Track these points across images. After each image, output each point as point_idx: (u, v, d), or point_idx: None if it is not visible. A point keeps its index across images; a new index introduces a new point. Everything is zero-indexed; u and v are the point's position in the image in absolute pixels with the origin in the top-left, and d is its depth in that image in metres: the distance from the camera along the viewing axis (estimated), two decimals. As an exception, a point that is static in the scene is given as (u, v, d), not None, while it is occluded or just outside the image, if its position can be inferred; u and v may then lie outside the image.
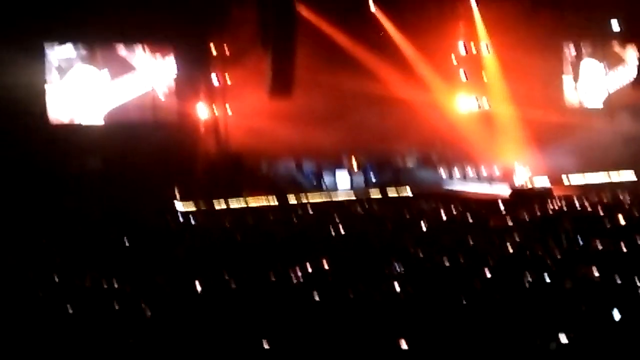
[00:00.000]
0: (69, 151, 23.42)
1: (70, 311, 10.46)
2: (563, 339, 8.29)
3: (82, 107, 24.73)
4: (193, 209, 22.88)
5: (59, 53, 24.59)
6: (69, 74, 24.56)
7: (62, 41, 24.59)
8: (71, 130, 24.31)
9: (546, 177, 25.98)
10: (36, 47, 23.79)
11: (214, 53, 26.13)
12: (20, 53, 22.26)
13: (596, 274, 11.38)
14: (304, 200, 24.09)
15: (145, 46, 25.38)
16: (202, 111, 25.71)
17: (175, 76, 25.73)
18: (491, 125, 28.68)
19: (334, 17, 26.49)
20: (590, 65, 31.45)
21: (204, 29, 25.52)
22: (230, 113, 26.64)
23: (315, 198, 24.51)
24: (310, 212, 21.43)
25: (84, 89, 24.71)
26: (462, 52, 29.35)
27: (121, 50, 25.31)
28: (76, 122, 24.80)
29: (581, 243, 14.44)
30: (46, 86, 24.19)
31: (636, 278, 10.89)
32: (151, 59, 25.50)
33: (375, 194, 25.29)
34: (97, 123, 24.91)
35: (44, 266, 13.81)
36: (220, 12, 25.21)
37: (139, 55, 25.42)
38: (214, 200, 23.15)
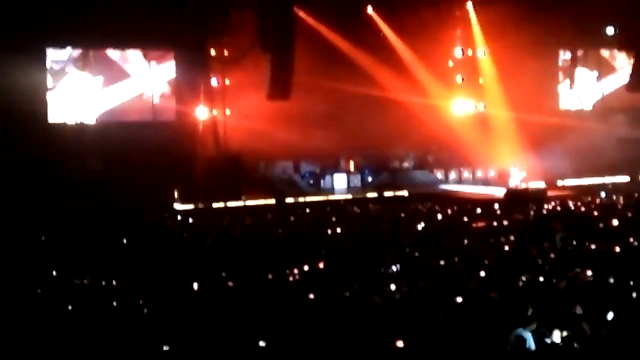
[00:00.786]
0: (69, 152, 23.48)
1: (69, 308, 10.56)
2: (557, 338, 8.39)
3: (82, 109, 24.79)
4: (191, 207, 22.95)
5: (59, 57, 24.71)
6: (68, 77, 24.64)
7: (63, 45, 24.70)
8: (71, 131, 24.39)
9: (540, 179, 26.09)
10: (38, 51, 23.90)
11: (213, 55, 26.21)
12: (22, 57, 22.33)
13: (589, 274, 11.48)
14: (302, 201, 24.17)
15: (144, 50, 25.43)
16: (201, 113, 25.77)
17: (174, 78, 25.80)
18: (487, 127, 28.80)
19: (332, 20, 26.56)
20: (584, 70, 31.65)
21: (204, 32, 25.60)
22: (229, 115, 26.72)
23: (313, 199, 24.59)
24: (308, 212, 21.50)
25: (83, 92, 24.77)
26: (459, 55, 29.46)
27: (116, 56, 25.37)
28: (76, 123, 24.88)
29: (574, 243, 14.54)
30: (48, 88, 24.28)
31: (629, 278, 11.01)
32: (146, 64, 25.55)
33: (372, 195, 25.36)
34: (96, 124, 24.99)
35: (43, 264, 13.91)
36: (219, 16, 25.28)
37: (134, 61, 25.47)
38: (212, 201, 23.21)
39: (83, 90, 24.72)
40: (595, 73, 31.83)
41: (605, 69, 32.05)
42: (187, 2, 24.82)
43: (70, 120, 24.70)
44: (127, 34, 24.37)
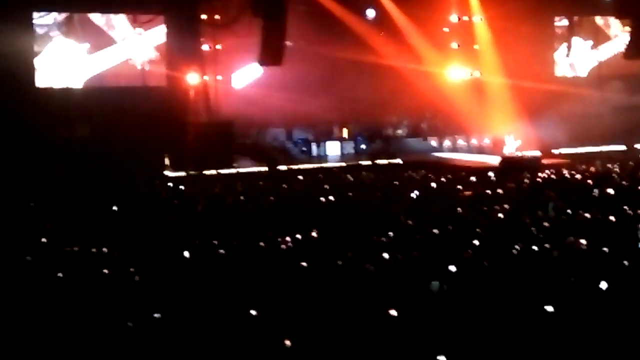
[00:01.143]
0: (58, 117, 23.23)
1: (59, 275, 10.49)
2: (549, 308, 8.36)
3: (69, 75, 24.51)
4: (183, 174, 22.83)
5: (44, 21, 24.33)
6: (54, 43, 24.30)
7: (49, 9, 24.32)
8: (59, 97, 24.12)
9: (535, 147, 26.00)
10: (23, 15, 23.52)
11: (204, 20, 25.91)
12: (7, 20, 22.00)
13: (583, 243, 11.45)
14: (294, 168, 24.05)
15: (134, 14, 25.04)
16: (192, 78, 25.52)
17: (164, 43, 25.50)
18: (482, 95, 28.65)
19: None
20: (581, 37, 31.47)
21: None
22: (220, 81, 26.50)
23: (306, 167, 24.47)
24: (300, 180, 21.40)
25: (68, 58, 24.46)
26: (455, 21, 29.22)
27: (101, 22, 24.96)
28: (64, 88, 24.61)
29: (569, 212, 14.50)
30: (34, 53, 23.96)
31: (623, 247, 10.99)
32: (132, 29, 25.17)
33: (365, 163, 25.25)
34: (84, 89, 24.72)
35: (32, 231, 13.81)
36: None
37: (119, 27, 25.09)
38: (204, 168, 23.07)
39: (69, 56, 24.36)
40: (590, 42, 31.66)
41: (599, 37, 31.87)
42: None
43: (57, 85, 24.41)
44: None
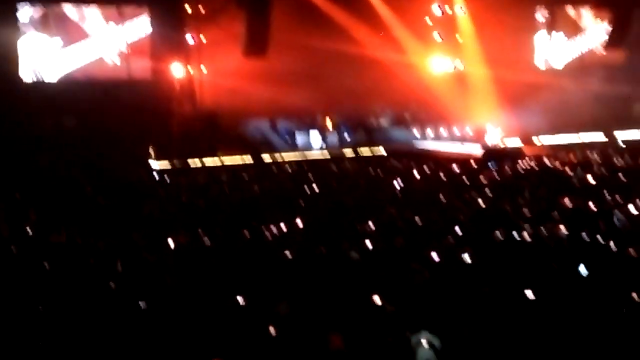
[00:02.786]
0: (43, 110, 23.18)
1: (46, 266, 10.53)
2: (530, 294, 8.50)
3: (45, 69, 24.46)
4: (168, 166, 22.85)
5: (20, 16, 24.27)
6: (28, 36, 24.22)
7: (35, 2, 24.25)
8: (46, 89, 24.08)
9: (517, 136, 26.20)
10: (8, 9, 23.47)
11: (189, 12, 25.87)
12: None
13: (564, 231, 11.62)
14: (279, 159, 24.11)
15: (118, 6, 24.95)
16: (177, 70, 25.51)
17: (149, 35, 25.46)
18: (464, 85, 28.82)
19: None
20: (562, 28, 31.67)
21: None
22: (205, 72, 26.49)
23: (290, 157, 24.53)
24: (284, 171, 21.48)
25: (44, 52, 24.40)
26: (438, 13, 29.32)
27: (75, 16, 24.87)
28: (49, 80, 24.57)
29: (550, 201, 14.67)
30: (18, 45, 23.89)
31: (603, 235, 11.16)
32: (105, 24, 25.11)
33: (349, 153, 25.35)
34: (69, 82, 24.66)
35: (18, 222, 13.82)
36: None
37: (93, 21, 25.01)
38: (188, 159, 23.10)
39: (44, 50, 24.29)
40: (574, 31, 31.88)
41: (572, 29, 32.07)
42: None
43: (42, 78, 24.34)
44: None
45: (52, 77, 24.48)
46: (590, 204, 13.93)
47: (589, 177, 17.47)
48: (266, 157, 24.25)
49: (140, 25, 25.44)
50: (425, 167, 20.58)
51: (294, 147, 26.77)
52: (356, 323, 7.99)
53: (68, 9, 24.77)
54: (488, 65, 28.27)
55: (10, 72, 23.37)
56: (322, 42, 26.25)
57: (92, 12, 25.02)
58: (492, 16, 27.16)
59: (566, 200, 14.28)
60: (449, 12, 29.19)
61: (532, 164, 21.16)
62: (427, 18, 29.23)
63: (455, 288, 9.03)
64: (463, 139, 27.70)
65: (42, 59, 24.32)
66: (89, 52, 24.94)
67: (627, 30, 28.81)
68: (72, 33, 24.76)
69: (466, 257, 10.23)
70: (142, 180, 20.06)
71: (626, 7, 28.66)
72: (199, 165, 22.92)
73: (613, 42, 28.73)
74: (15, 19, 23.81)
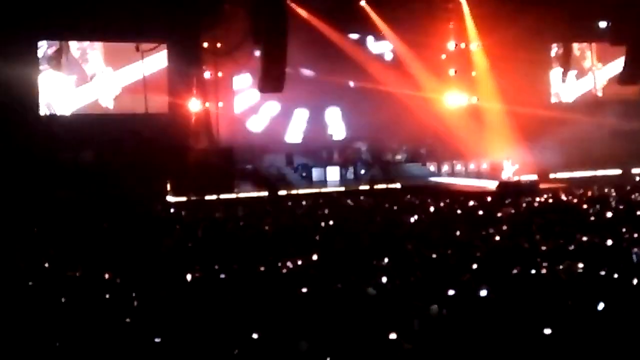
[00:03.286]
0: (61, 144, 23.42)
1: (63, 300, 10.55)
2: (547, 330, 8.44)
3: (59, 106, 24.79)
4: (184, 199, 22.95)
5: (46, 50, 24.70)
6: (45, 74, 24.60)
7: (55, 38, 24.66)
8: (64, 123, 24.38)
9: (533, 172, 26.17)
10: (30, 44, 23.87)
11: (206, 47, 26.17)
12: (14, 49, 22.34)
13: (580, 267, 11.54)
14: (294, 193, 24.19)
15: (137, 42, 25.29)
16: (194, 105, 25.74)
17: (167, 71, 25.76)
18: (479, 120, 28.89)
19: (325, 12, 26.57)
20: (577, 63, 31.77)
21: (196, 24, 25.62)
22: (221, 107, 26.71)
23: (306, 191, 24.60)
24: (300, 205, 21.51)
25: (58, 88, 24.76)
26: (452, 48, 29.51)
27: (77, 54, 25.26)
28: (67, 115, 24.88)
29: (566, 236, 14.59)
30: (38, 80, 24.25)
31: (620, 271, 11.07)
32: (103, 67, 25.44)
33: (364, 188, 25.38)
34: (86, 116, 24.95)
35: (35, 256, 13.89)
36: (212, 8, 25.27)
37: (93, 63, 25.36)
38: (205, 193, 23.20)
39: (57, 89, 24.65)
40: (589, 66, 32.02)
41: (599, 61, 32.24)
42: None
43: (59, 112, 24.67)
44: (120, 27, 24.32)
45: (68, 111, 24.80)
46: (608, 240, 13.83)
47: (606, 213, 17.38)
48: (282, 192, 24.33)
49: (158, 60, 25.74)
50: (441, 202, 20.56)
51: (309, 182, 26.86)
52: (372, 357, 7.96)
53: (85, 44, 25.14)
54: (503, 101, 28.36)
55: (30, 105, 23.74)
56: (338, 77, 26.48)
57: (109, 47, 25.37)
58: (507, 52, 27.29)
59: (582, 237, 14.19)
60: (464, 47, 29.37)
61: (548, 199, 21.09)
62: (442, 54, 29.42)
63: (471, 324, 8.98)
64: (479, 175, 27.72)
65: (59, 94, 24.65)
66: (106, 88, 25.26)
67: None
68: (88, 69, 25.11)
69: (483, 292, 10.17)
70: (159, 214, 20.14)
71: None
72: (216, 199, 23.00)
73: (628, 77, 28.74)
74: (37, 54, 24.19)
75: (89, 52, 25.34)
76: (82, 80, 25.12)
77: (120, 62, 25.50)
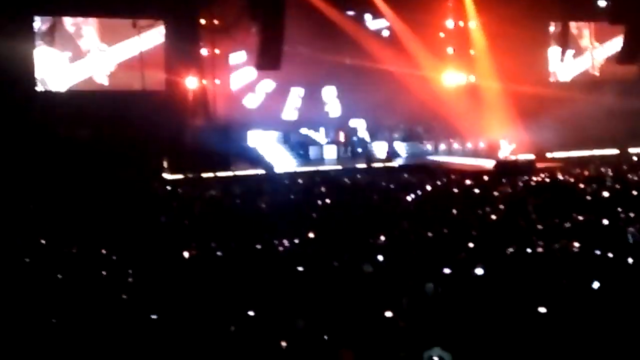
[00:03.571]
0: (59, 120, 23.34)
1: (59, 277, 10.58)
2: (542, 309, 8.47)
3: (54, 82, 24.70)
4: (181, 177, 22.93)
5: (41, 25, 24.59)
6: (39, 50, 24.48)
7: (51, 14, 24.51)
8: (61, 100, 24.29)
9: (529, 151, 26.17)
10: (25, 20, 23.74)
11: (203, 24, 26.04)
12: (10, 24, 22.20)
13: (576, 246, 11.58)
14: (291, 171, 24.17)
15: (134, 19, 25.14)
16: (191, 82, 25.65)
17: (164, 47, 25.64)
18: (477, 99, 28.82)
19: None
20: (575, 42, 31.71)
21: (194, 1, 25.51)
22: (218, 84, 26.63)
23: (302, 169, 24.59)
24: (297, 183, 21.51)
25: (53, 64, 24.65)
26: (451, 27, 29.39)
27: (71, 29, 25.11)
28: (62, 90, 24.79)
29: (562, 215, 14.62)
30: (34, 55, 24.13)
31: (615, 251, 11.11)
32: (98, 43, 25.33)
33: (361, 166, 25.37)
34: (83, 92, 24.87)
35: (32, 232, 13.90)
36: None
37: (87, 39, 25.23)
38: (201, 171, 23.18)
39: (52, 65, 24.54)
40: (587, 45, 31.97)
41: (597, 40, 32.20)
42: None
43: (55, 89, 24.60)
44: (116, 3, 24.18)
45: (63, 87, 24.71)
46: (604, 219, 13.86)
47: (602, 193, 17.40)
48: (279, 170, 24.31)
49: (155, 37, 25.63)
50: (437, 181, 20.58)
51: (306, 159, 26.84)
52: (368, 338, 7.98)
53: (79, 20, 25.02)
54: (501, 80, 28.29)
55: (27, 81, 23.64)
56: (335, 55, 26.38)
57: (105, 24, 25.25)
58: (505, 30, 27.19)
59: (579, 216, 14.23)
60: (463, 26, 29.27)
61: (545, 178, 21.10)
62: (440, 32, 29.32)
63: (467, 303, 9.00)
64: (476, 153, 27.71)
65: (53, 70, 24.56)
66: (100, 65, 25.16)
67: (640, 45, 28.81)
68: (83, 44, 25.00)
69: (478, 271, 10.20)
70: (156, 192, 20.13)
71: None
72: (212, 177, 22.98)
73: (627, 56, 28.68)
74: (32, 30, 24.07)
75: (83, 28, 25.18)
76: (77, 57, 25.00)
77: (115, 38, 25.36)
